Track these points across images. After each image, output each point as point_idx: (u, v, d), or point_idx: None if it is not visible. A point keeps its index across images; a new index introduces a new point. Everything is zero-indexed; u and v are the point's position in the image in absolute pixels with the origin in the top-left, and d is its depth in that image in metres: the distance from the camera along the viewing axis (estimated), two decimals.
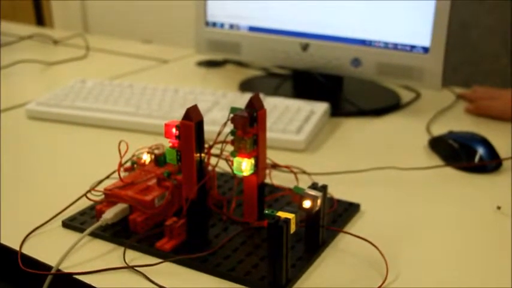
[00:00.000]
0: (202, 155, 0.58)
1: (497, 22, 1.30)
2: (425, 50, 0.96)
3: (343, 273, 0.58)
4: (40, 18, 2.42)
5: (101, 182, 0.71)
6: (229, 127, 0.60)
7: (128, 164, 0.69)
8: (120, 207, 0.63)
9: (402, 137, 0.94)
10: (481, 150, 0.80)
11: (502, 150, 0.82)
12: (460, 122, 0.98)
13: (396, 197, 0.74)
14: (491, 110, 1.00)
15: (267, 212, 0.53)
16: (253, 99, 0.61)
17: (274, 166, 0.76)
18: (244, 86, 1.15)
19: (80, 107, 0.97)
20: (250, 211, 0.65)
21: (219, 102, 0.97)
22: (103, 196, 0.65)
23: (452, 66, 0.98)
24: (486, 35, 1.33)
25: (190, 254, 0.58)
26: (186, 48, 1.43)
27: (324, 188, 0.59)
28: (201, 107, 0.59)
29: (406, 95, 1.11)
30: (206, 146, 0.60)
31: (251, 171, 0.62)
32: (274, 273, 0.54)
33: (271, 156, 0.75)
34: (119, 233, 0.62)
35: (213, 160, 0.65)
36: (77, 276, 0.57)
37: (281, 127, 0.88)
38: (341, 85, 1.10)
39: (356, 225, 0.67)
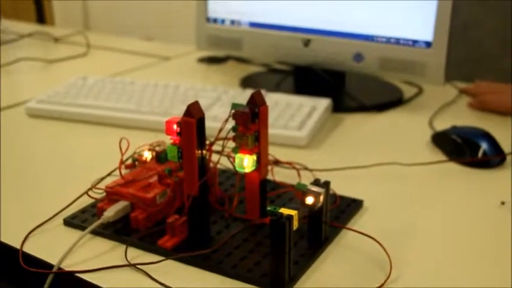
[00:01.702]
0: (204, 151, 0.58)
1: (499, 23, 1.29)
2: (428, 44, 0.96)
3: (346, 269, 0.58)
4: (41, 16, 2.42)
5: (102, 179, 0.70)
6: (231, 123, 0.60)
7: (129, 162, 0.69)
8: (121, 204, 0.63)
9: (405, 132, 0.93)
10: (484, 145, 0.80)
11: (506, 145, 0.82)
12: (463, 117, 0.98)
13: (399, 193, 0.73)
14: (494, 104, 0.99)
15: (269, 208, 0.52)
16: (254, 95, 0.60)
17: (276, 162, 0.76)
18: (246, 82, 1.14)
19: (80, 105, 0.97)
20: (252, 208, 0.64)
21: (220, 99, 0.97)
22: (104, 194, 0.65)
23: (454, 64, 0.97)
24: (487, 36, 1.32)
25: (192, 251, 0.58)
26: (187, 44, 1.42)
27: (326, 184, 0.58)
28: (203, 104, 0.59)
29: (408, 90, 1.10)
30: (207, 142, 0.59)
31: (253, 168, 0.61)
32: (276, 270, 0.53)
33: (273, 152, 0.75)
34: (120, 231, 0.62)
35: (214, 157, 0.65)
36: (78, 275, 0.57)
37: (283, 123, 0.87)
38: (343, 80, 1.10)
39: (359, 222, 0.66)
